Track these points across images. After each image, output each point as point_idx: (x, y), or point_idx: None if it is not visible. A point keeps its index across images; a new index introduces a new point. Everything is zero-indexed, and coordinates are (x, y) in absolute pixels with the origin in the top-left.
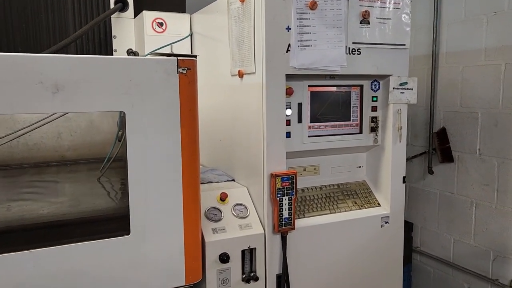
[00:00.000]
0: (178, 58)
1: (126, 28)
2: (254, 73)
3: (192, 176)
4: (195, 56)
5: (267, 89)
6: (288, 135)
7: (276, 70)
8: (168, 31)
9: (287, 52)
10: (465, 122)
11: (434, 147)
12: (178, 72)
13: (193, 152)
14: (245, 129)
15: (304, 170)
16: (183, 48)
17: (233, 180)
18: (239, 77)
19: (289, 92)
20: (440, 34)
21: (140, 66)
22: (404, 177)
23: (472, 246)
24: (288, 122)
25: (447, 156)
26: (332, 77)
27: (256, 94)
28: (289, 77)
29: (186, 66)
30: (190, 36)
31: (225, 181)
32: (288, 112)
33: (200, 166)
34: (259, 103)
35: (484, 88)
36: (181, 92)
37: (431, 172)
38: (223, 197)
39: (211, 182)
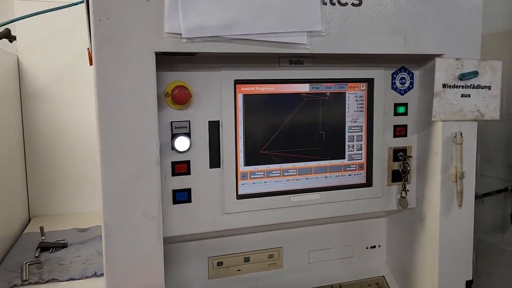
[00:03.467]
0: None
1: None
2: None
3: None
4: None
5: (100, 91)
6: (184, 196)
7: (125, 43)
8: None
9: None
10: None
11: None
12: None
13: None
14: None
15: (246, 261)
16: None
17: None
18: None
19: (179, 97)
20: None
21: None
22: (469, 282)
23: None
24: (183, 167)
25: None
26: (300, 61)
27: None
28: (170, 60)
29: None
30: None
31: None
32: (182, 144)
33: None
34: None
35: None
36: None
37: None
38: None
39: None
